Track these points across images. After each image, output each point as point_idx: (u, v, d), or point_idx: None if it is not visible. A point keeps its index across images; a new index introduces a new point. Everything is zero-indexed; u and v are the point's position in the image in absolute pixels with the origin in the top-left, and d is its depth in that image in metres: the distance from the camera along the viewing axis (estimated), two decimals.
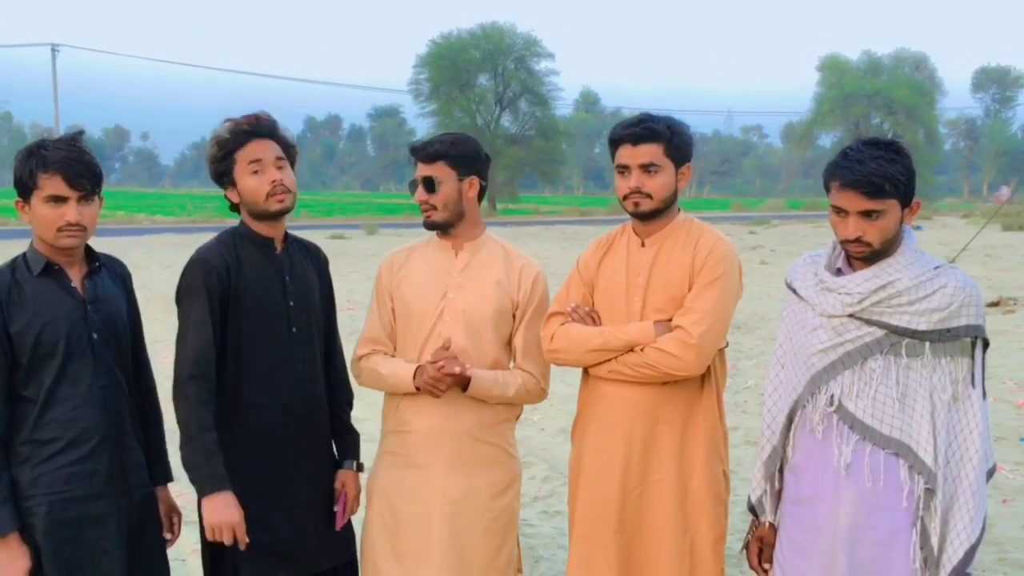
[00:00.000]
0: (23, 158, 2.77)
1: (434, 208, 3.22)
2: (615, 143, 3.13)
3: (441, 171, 3.20)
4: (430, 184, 3.20)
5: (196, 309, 3.03)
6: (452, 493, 3.18)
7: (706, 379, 3.11)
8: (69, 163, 2.76)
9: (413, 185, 3.25)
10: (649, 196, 3.08)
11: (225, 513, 2.95)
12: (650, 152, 3.06)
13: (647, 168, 3.07)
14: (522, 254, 3.39)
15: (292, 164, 3.20)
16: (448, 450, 3.19)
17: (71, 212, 2.76)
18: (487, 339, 3.24)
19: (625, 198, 3.11)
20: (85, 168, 2.79)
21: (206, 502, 2.96)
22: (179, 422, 2.98)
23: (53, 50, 64.08)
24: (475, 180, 3.27)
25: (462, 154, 3.24)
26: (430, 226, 3.29)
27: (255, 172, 3.09)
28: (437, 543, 3.15)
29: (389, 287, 3.33)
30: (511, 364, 3.34)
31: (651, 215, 3.12)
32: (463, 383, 3.12)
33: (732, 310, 3.11)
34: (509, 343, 3.32)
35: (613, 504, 3.12)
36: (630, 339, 3.05)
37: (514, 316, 3.29)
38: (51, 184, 2.74)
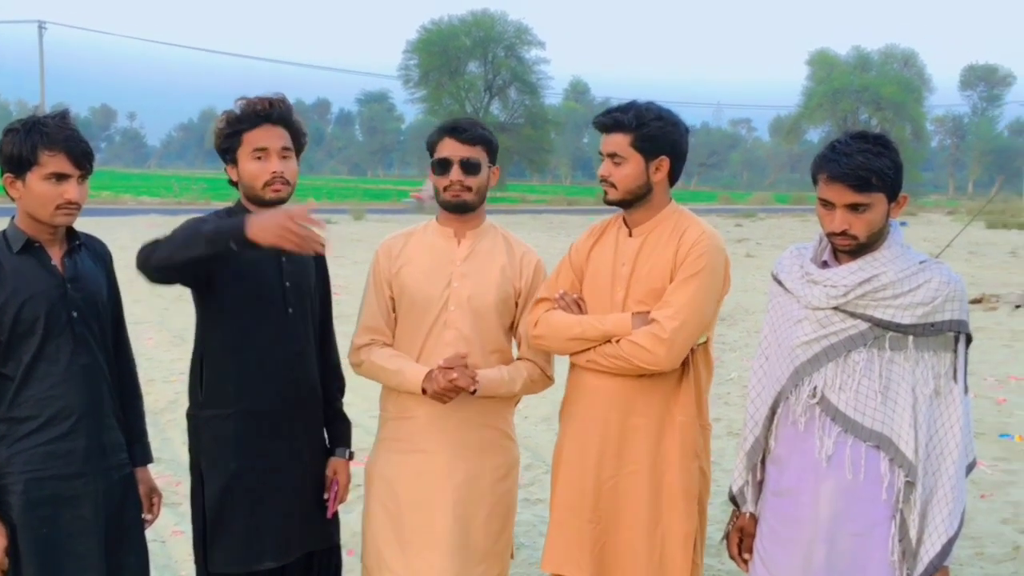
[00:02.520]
0: (22, 134, 2.74)
1: (468, 190, 3.20)
2: (596, 129, 3.16)
3: (480, 155, 3.22)
4: (473, 166, 3.19)
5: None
6: (457, 478, 3.17)
7: (684, 374, 3.08)
8: (73, 141, 2.76)
9: (444, 164, 3.19)
10: (614, 186, 3.08)
11: None
12: (615, 142, 3.07)
13: (613, 157, 3.07)
14: (522, 242, 3.40)
15: (299, 152, 3.18)
16: (452, 435, 3.19)
17: (72, 190, 2.76)
18: (491, 326, 3.24)
19: (601, 184, 3.15)
20: (86, 147, 2.80)
21: None
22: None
23: (40, 27, 63.50)
24: (497, 169, 3.32)
25: (495, 142, 3.30)
26: (457, 207, 3.22)
27: (258, 158, 3.06)
28: (442, 528, 3.14)
29: (388, 274, 3.28)
30: (514, 351, 3.35)
31: (619, 204, 3.12)
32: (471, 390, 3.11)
33: (712, 305, 3.06)
34: (510, 329, 3.33)
35: (588, 493, 3.12)
36: (607, 330, 3.04)
37: (516, 304, 3.30)
38: (54, 162, 2.73)
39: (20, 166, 2.74)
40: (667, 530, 3.07)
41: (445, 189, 3.20)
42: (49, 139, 2.73)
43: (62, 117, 2.81)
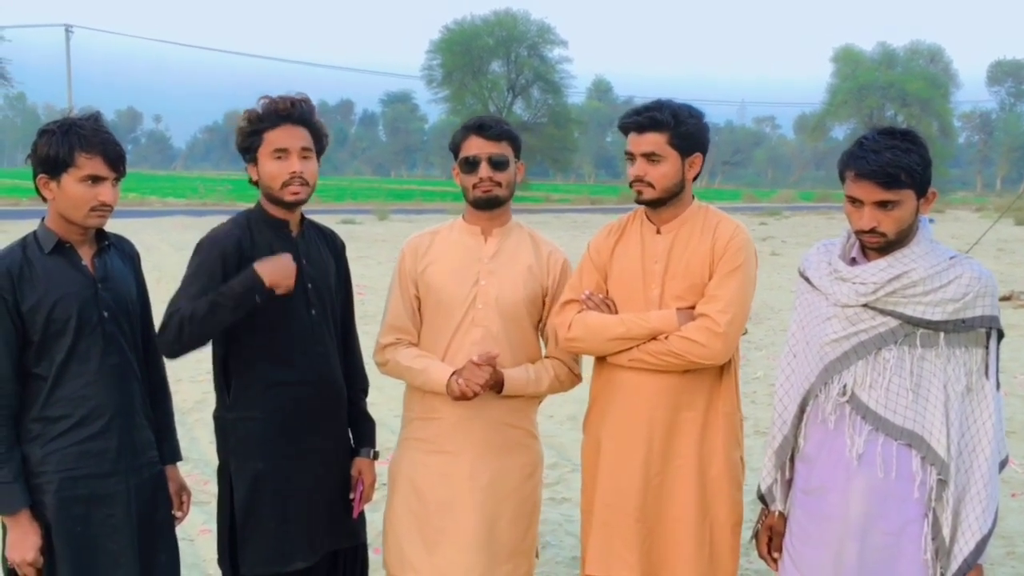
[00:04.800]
0: (59, 136, 2.76)
1: (499, 185, 3.22)
2: (624, 130, 3.13)
3: (507, 151, 3.24)
4: (501, 162, 3.21)
5: (194, 286, 3.01)
6: (482, 479, 3.18)
7: (726, 365, 3.10)
8: (109, 144, 2.79)
9: (472, 162, 3.20)
10: (651, 185, 3.07)
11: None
12: (652, 141, 3.05)
13: (649, 157, 3.06)
14: (548, 240, 3.40)
15: (320, 153, 3.19)
16: (477, 437, 3.20)
17: (107, 192, 2.79)
18: (519, 325, 3.25)
19: (631, 185, 3.13)
20: (121, 150, 2.83)
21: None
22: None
23: (67, 31, 64.12)
24: (522, 165, 3.33)
25: (519, 137, 3.32)
26: (488, 202, 3.23)
27: (278, 158, 3.07)
28: (468, 528, 3.15)
29: (413, 272, 3.29)
30: (543, 350, 3.35)
31: (654, 204, 3.11)
32: (497, 387, 3.12)
33: (752, 298, 3.10)
34: (537, 327, 3.33)
35: (634, 492, 3.10)
36: (653, 327, 3.03)
37: (544, 302, 3.30)
38: (91, 164, 2.76)
39: (55, 167, 2.76)
40: (715, 521, 3.09)
41: (474, 187, 3.21)
42: (86, 142, 2.75)
43: (95, 120, 2.83)
